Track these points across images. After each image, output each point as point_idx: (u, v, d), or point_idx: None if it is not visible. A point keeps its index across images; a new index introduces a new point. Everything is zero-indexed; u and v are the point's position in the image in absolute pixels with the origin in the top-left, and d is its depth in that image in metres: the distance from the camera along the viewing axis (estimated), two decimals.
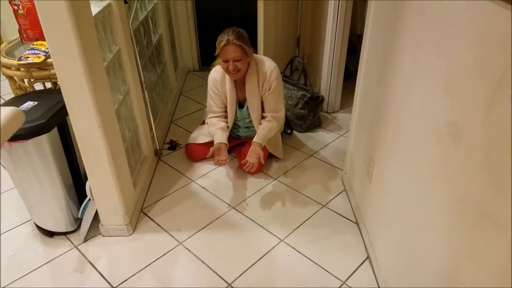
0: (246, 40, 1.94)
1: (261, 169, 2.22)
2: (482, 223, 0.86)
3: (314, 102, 2.54)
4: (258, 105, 2.12)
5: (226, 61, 1.93)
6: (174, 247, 1.74)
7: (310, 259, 1.67)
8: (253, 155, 2.03)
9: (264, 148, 2.21)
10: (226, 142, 2.06)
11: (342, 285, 1.57)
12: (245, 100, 2.14)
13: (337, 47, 2.56)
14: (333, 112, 2.83)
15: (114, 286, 1.57)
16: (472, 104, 0.89)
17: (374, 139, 1.63)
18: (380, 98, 1.55)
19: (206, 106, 2.89)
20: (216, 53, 1.97)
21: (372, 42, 1.69)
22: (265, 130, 2.08)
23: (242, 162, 2.06)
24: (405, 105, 1.29)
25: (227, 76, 2.07)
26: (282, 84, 2.13)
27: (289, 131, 2.53)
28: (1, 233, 1.83)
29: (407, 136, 1.28)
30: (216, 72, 2.11)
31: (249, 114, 2.16)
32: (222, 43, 1.89)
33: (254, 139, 2.06)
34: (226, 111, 2.18)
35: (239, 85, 2.11)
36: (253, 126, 2.22)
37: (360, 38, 1.85)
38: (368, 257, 1.68)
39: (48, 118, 1.53)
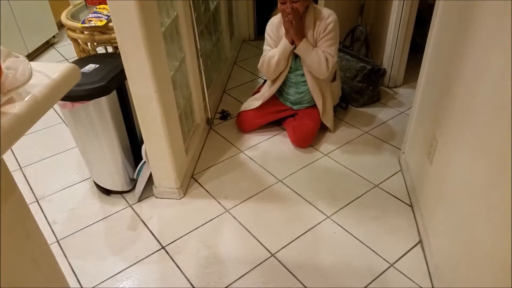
0: None
1: (310, 143, 2.16)
2: None
3: (375, 75, 2.39)
4: None
5: (283, 3, 1.91)
6: (221, 214, 1.77)
7: (357, 238, 1.62)
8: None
9: (316, 117, 2.16)
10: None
11: (389, 267, 1.50)
12: None
13: (405, 16, 2.35)
14: (395, 87, 2.64)
15: (164, 245, 1.64)
16: None
17: (439, 117, 1.49)
18: (451, 72, 1.40)
19: (259, 77, 2.86)
20: None
21: (445, 10, 1.52)
22: (312, 48, 2.01)
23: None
24: (480, 80, 1.15)
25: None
26: (338, 33, 2.04)
27: (344, 105, 2.42)
28: (63, 188, 1.98)
29: (478, 114, 1.14)
30: (274, 18, 2.10)
31: (302, 65, 2.10)
32: None
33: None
34: None
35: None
36: (303, 92, 2.16)
37: (432, 8, 1.67)
38: (420, 241, 1.59)
39: (108, 80, 1.58)
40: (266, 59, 2.10)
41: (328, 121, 2.21)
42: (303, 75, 2.12)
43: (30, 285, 0.80)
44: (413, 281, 1.45)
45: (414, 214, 1.71)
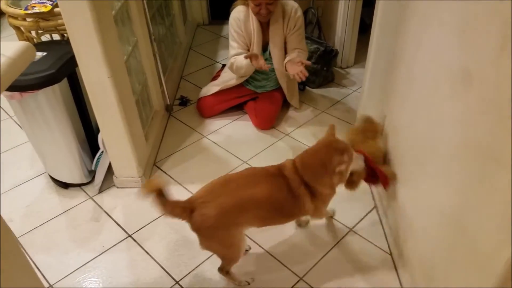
0: None
1: (273, 125, 2.20)
2: (488, 165, 0.85)
3: (328, 56, 2.47)
4: (281, 46, 2.08)
5: (258, 5, 1.92)
6: None
7: None
8: (293, 65, 1.93)
9: (277, 99, 2.21)
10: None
11: (349, 231, 1.61)
12: (267, 42, 2.09)
13: None
14: (347, 67, 2.75)
15: (130, 234, 1.62)
16: (484, 46, 0.85)
17: (386, 93, 1.59)
18: (394, 49, 1.50)
19: (216, 62, 2.85)
20: None
21: None
22: (296, 53, 2.05)
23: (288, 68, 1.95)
24: (418, 53, 1.25)
25: (251, 17, 2.02)
26: (304, 25, 2.10)
27: (301, 86, 2.48)
28: (16, 185, 1.87)
29: (419, 85, 1.24)
30: (239, 12, 2.05)
31: (271, 57, 2.12)
32: None
33: (286, 60, 2.02)
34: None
35: (262, 25, 2.05)
36: (271, 78, 2.20)
37: None
38: (375, 206, 1.71)
39: (58, 68, 1.51)
40: (234, 66, 2.08)
41: (296, 102, 2.31)
42: (271, 63, 2.14)
43: None
44: (370, 242, 1.56)
45: None
